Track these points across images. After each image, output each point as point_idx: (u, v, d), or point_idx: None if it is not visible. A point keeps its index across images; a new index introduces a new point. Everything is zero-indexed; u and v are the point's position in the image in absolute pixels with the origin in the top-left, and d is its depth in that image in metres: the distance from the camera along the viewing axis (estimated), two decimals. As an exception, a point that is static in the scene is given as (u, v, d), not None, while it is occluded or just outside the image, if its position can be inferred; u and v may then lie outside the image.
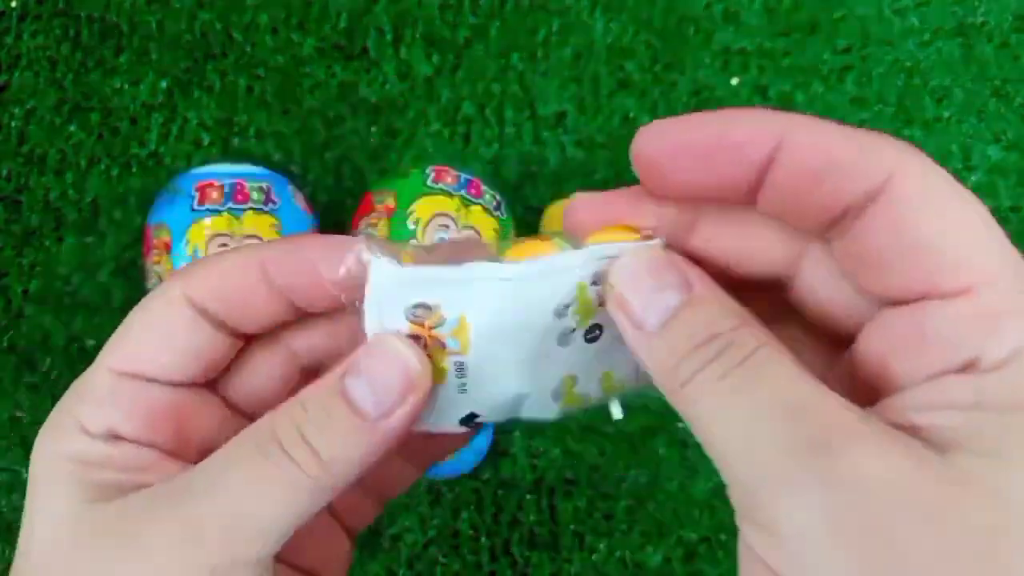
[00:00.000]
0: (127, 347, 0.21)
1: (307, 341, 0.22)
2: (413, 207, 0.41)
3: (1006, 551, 0.15)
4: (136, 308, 0.21)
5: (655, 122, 0.18)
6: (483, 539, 0.44)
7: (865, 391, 0.18)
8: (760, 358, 0.17)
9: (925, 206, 0.17)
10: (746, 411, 0.17)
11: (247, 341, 0.22)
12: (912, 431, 0.16)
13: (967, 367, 0.16)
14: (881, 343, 0.18)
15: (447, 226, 0.41)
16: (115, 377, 0.20)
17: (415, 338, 0.19)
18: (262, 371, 0.22)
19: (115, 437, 0.20)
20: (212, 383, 0.22)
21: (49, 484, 0.20)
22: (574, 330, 0.20)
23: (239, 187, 0.42)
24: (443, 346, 0.19)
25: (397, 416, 0.19)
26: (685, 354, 0.18)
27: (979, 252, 0.16)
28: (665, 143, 0.18)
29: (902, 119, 0.48)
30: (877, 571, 0.15)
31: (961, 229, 0.17)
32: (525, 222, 0.47)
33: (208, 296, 0.21)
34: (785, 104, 0.49)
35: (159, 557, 0.18)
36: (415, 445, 0.22)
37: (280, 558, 0.20)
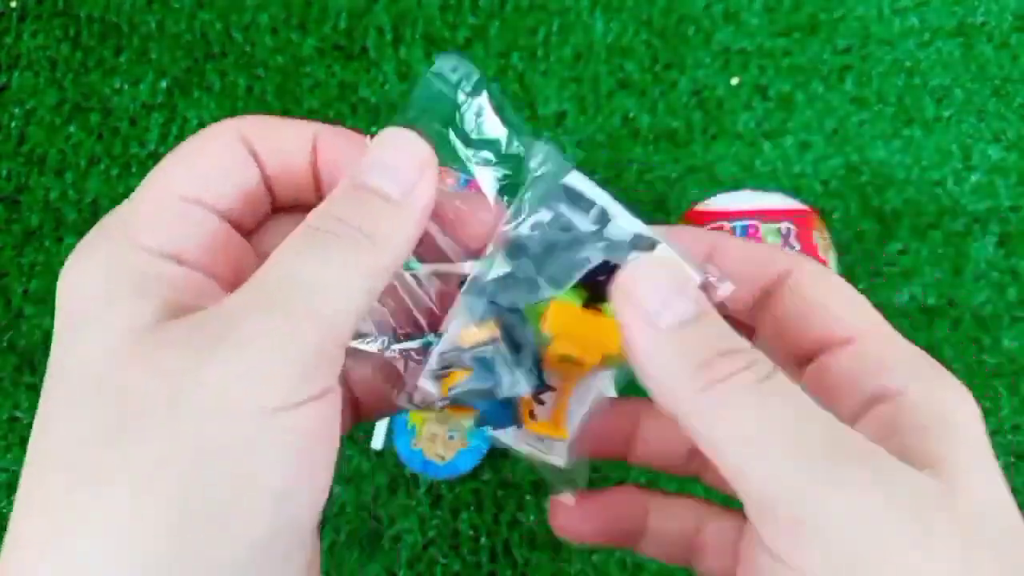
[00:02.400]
0: (185, 173, 0.20)
1: None
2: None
3: (1008, 550, 0.17)
4: (190, 139, 0.21)
5: None
6: (483, 539, 0.44)
7: None
8: (781, 378, 0.19)
9: (815, 284, 0.22)
10: (782, 416, 0.18)
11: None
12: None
13: (874, 401, 0.20)
14: (818, 389, 0.20)
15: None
16: (177, 199, 0.20)
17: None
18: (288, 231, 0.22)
19: (177, 260, 0.19)
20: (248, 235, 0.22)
21: (99, 297, 0.18)
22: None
23: (239, 187, 0.42)
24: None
25: (420, 190, 0.20)
26: (713, 357, 0.18)
27: (856, 313, 0.21)
28: None
29: (902, 119, 0.48)
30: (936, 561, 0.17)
31: (841, 299, 0.22)
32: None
33: (260, 143, 0.21)
34: (785, 104, 0.49)
35: (251, 350, 0.17)
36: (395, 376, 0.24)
37: None
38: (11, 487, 0.45)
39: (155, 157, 0.49)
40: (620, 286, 0.19)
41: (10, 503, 0.45)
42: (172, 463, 0.16)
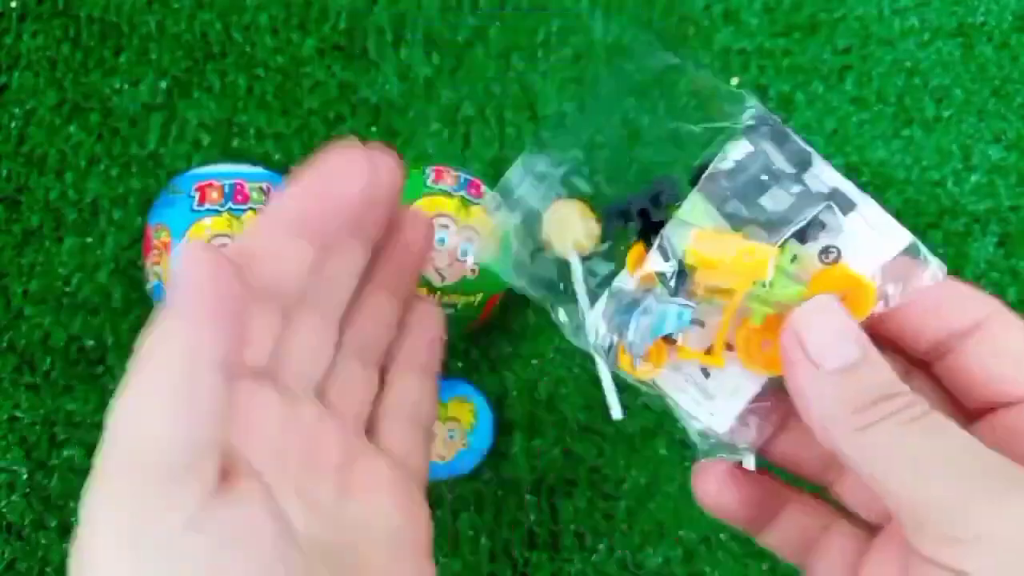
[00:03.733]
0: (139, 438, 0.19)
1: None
2: (413, 207, 0.41)
3: None
4: (159, 376, 0.19)
5: None
6: (483, 540, 0.44)
7: None
8: (936, 417, 0.20)
9: (1015, 336, 0.22)
10: (939, 447, 0.19)
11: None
12: None
13: None
14: (996, 440, 0.21)
15: (447, 226, 0.41)
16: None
17: None
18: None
19: None
20: None
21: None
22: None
23: (239, 187, 0.42)
24: None
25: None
26: (869, 403, 0.20)
27: None
28: None
29: (902, 119, 0.48)
30: None
31: None
32: (525, 222, 0.47)
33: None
34: (785, 104, 0.49)
35: None
36: None
37: None
38: (11, 487, 0.45)
39: (155, 157, 0.49)
40: (791, 325, 0.21)
41: (10, 503, 0.45)
42: None
